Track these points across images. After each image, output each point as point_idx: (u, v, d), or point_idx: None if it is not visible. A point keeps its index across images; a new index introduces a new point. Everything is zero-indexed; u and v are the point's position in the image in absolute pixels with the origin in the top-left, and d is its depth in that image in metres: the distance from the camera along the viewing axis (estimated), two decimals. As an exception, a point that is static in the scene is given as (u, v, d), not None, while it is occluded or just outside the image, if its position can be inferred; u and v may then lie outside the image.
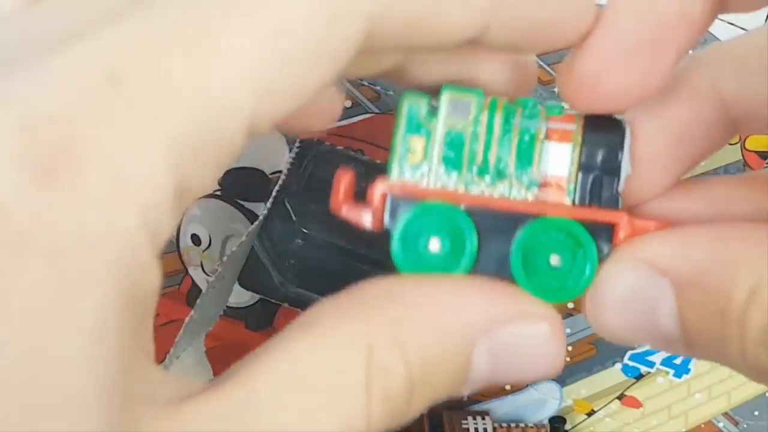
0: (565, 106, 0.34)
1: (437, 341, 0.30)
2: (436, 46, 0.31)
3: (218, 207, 0.62)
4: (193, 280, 0.63)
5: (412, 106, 0.34)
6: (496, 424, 0.68)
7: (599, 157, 0.34)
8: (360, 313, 0.30)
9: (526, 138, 0.34)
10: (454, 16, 0.31)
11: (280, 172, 0.62)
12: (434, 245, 0.34)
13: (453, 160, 0.34)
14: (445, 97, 0.34)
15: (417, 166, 0.34)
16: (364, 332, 0.29)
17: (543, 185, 0.34)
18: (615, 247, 0.34)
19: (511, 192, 0.34)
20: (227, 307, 0.63)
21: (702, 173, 0.63)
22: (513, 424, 0.69)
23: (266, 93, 0.27)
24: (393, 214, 0.34)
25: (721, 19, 0.62)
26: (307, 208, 0.61)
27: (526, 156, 0.34)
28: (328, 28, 0.28)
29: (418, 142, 0.34)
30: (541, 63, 0.62)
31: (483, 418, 0.68)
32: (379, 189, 0.34)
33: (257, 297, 0.63)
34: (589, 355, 0.67)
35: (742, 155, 0.62)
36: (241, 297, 0.63)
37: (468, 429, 0.67)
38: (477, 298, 0.32)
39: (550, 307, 0.33)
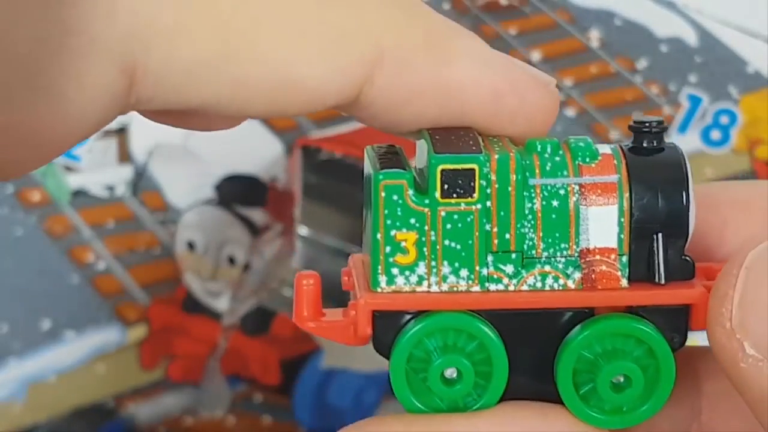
0: (595, 143, 0.27)
1: None
2: (289, 112, 0.27)
3: (214, 214, 0.61)
4: (188, 287, 0.62)
5: (392, 191, 0.25)
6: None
7: (657, 208, 0.26)
8: None
9: (555, 203, 0.26)
10: (307, 80, 0.26)
11: (276, 179, 0.61)
12: (449, 373, 0.26)
13: (459, 253, 0.25)
14: (438, 172, 0.25)
15: (410, 267, 0.26)
16: None
17: (587, 264, 0.26)
18: (692, 330, 0.26)
19: (545, 282, 0.26)
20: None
21: (710, 183, 0.61)
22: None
23: None
24: (386, 337, 0.26)
25: (723, 23, 0.60)
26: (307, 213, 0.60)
27: (558, 228, 0.26)
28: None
29: (407, 238, 0.25)
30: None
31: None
32: (363, 306, 0.26)
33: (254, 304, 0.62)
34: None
35: (751, 165, 0.61)
36: (237, 303, 0.62)
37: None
38: None
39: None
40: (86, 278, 0.61)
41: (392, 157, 0.27)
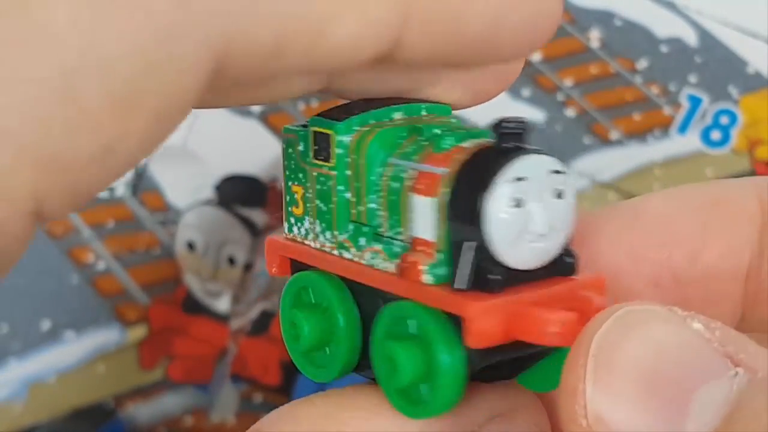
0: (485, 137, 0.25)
1: None
2: (328, 69, 0.25)
3: (214, 214, 0.61)
4: (188, 288, 0.62)
5: (288, 144, 0.26)
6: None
7: (461, 209, 0.24)
8: None
9: (395, 185, 0.25)
10: (341, 34, 0.23)
11: (276, 179, 0.61)
12: (305, 329, 0.26)
13: (325, 215, 0.26)
14: (310, 132, 0.26)
15: (300, 219, 0.26)
16: None
17: (409, 253, 0.25)
18: (466, 346, 0.24)
19: (375, 260, 0.25)
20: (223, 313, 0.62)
21: (710, 183, 0.61)
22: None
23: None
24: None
25: (723, 23, 0.60)
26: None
27: (396, 211, 0.25)
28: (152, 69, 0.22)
29: (298, 191, 0.26)
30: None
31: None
32: (268, 244, 0.27)
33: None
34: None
35: (752, 165, 0.61)
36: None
37: None
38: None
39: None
40: (86, 278, 0.61)
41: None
